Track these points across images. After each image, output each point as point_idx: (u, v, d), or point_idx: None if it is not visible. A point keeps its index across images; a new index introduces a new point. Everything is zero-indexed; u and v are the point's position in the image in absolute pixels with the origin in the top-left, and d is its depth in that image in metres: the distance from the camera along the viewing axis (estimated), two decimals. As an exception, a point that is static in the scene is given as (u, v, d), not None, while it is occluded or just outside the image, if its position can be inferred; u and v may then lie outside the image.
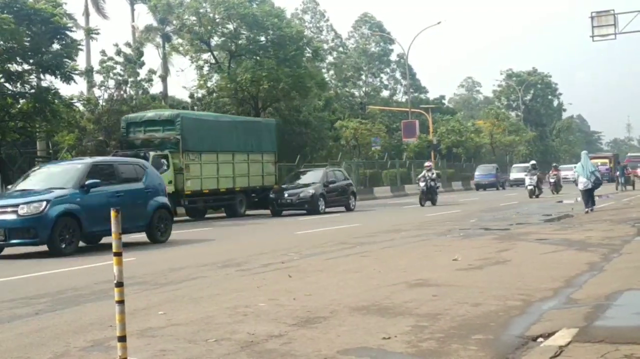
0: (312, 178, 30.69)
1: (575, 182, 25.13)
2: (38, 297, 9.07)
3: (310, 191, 29.14)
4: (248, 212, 31.20)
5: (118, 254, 4.94)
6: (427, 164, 34.56)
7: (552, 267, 10.22)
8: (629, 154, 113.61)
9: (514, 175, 61.31)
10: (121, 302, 4.94)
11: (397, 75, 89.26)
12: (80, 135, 35.40)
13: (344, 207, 30.98)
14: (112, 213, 4.94)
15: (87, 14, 50.09)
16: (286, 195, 29.41)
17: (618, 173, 46.70)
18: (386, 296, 8.22)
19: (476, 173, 60.55)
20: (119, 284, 4.93)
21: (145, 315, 7.52)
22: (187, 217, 29.24)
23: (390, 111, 76.89)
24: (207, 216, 30.94)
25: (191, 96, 50.42)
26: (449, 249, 13.04)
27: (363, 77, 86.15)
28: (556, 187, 41.51)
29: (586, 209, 23.36)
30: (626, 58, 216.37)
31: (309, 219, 25.37)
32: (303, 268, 11.08)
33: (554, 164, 47.65)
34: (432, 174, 32.29)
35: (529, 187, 37.14)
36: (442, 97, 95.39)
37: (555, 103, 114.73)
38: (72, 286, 9.97)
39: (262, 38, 44.89)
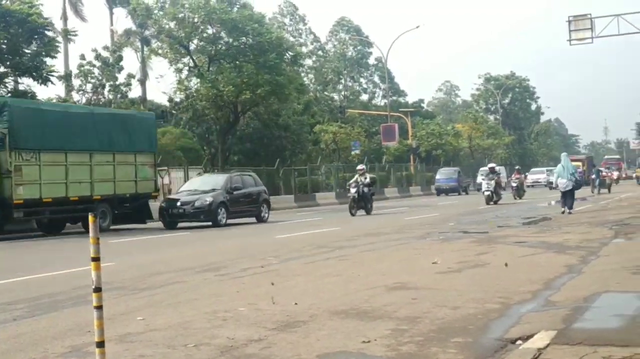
0: (213, 184, 26.31)
1: (555, 183, 25.30)
2: (16, 303, 8.99)
3: (208, 199, 24.74)
4: (120, 226, 26.16)
5: (96, 259, 4.90)
6: (359, 167, 30.85)
7: (531, 270, 10.27)
8: (605, 157, 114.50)
9: (479, 179, 58.93)
10: (99, 307, 4.90)
11: (376, 79, 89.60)
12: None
13: (255, 217, 26.90)
14: (90, 218, 4.90)
15: (65, 17, 50.03)
16: (179, 204, 25.00)
17: (594, 176, 45.98)
18: (365, 299, 8.22)
19: (437, 177, 58.53)
20: (97, 290, 4.90)
21: (123, 320, 7.48)
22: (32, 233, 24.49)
23: (370, 115, 77.10)
24: (65, 231, 25.22)
25: (170, 100, 50.33)
26: (428, 252, 13.07)
27: (342, 81, 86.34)
28: (518, 192, 39.30)
29: (564, 210, 23.61)
30: (603, 62, 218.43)
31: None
32: (282, 272, 11.07)
33: (517, 167, 45.48)
34: (366, 178, 28.83)
35: (486, 193, 33.75)
36: (421, 100, 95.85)
37: (534, 106, 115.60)
38: (50, 291, 9.90)
39: (242, 42, 44.88)
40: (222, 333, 6.68)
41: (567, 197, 23.84)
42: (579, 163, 65.75)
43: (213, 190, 25.43)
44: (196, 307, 8.11)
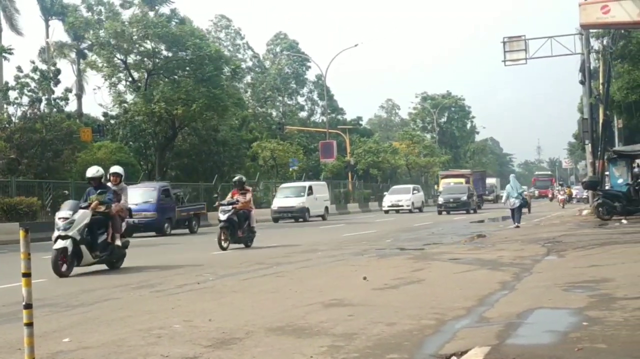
0: None
1: (504, 201, 28.25)
2: (-58, 320, 8.73)
3: None
4: None
5: (27, 275, 4.80)
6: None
7: (465, 287, 10.39)
8: (536, 173, 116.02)
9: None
10: (30, 324, 4.80)
11: (315, 96, 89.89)
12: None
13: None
14: (21, 233, 4.80)
15: (-1, 29, 49.01)
16: None
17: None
18: (302, 316, 8.21)
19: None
20: (28, 306, 4.80)
21: (55, 338, 7.31)
22: None
23: (309, 132, 77.29)
24: None
25: (105, 115, 49.72)
26: (365, 269, 13.11)
27: (280, 97, 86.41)
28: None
29: (515, 225, 26.24)
30: (537, 83, 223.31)
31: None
32: (218, 289, 10.99)
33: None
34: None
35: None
36: (360, 118, 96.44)
37: (469, 126, 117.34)
38: (-22, 308, 9.64)
39: (181, 57, 44.61)
40: (156, 350, 6.59)
41: (516, 213, 26.72)
42: (461, 179, 58.67)
43: None
44: (130, 324, 7.98)
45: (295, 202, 42.13)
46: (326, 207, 46.39)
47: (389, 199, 52.02)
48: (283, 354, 6.33)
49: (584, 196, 50.53)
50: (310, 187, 44.63)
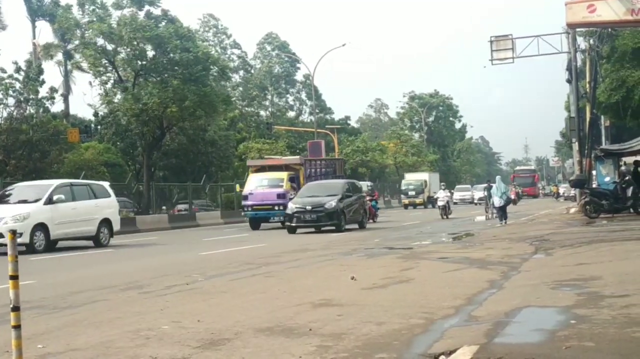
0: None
1: (491, 201, 31.02)
2: None
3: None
4: None
5: (14, 278, 4.78)
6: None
7: (454, 286, 10.41)
8: (516, 169, 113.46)
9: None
10: (17, 327, 4.78)
11: (303, 96, 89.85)
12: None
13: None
14: (9, 235, 4.78)
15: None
16: None
17: (485, 193, 37.00)
18: (291, 316, 8.21)
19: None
20: (15, 309, 4.78)
21: (44, 340, 7.28)
22: None
23: (297, 132, 77.25)
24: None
25: (95, 114, 49.57)
26: (353, 268, 13.11)
27: (269, 97, 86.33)
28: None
29: (501, 223, 28.10)
30: (525, 81, 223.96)
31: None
32: (207, 289, 10.97)
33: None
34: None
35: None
36: (348, 117, 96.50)
37: (457, 125, 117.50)
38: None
39: (169, 57, 44.48)
40: (145, 352, 6.57)
41: (502, 212, 28.88)
42: (281, 174, 35.91)
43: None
44: (119, 326, 7.96)
45: None
46: None
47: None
48: (272, 354, 6.33)
49: (572, 194, 50.71)
50: None
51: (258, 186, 32.95)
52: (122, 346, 6.88)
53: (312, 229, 27.32)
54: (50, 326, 8.15)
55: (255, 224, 32.46)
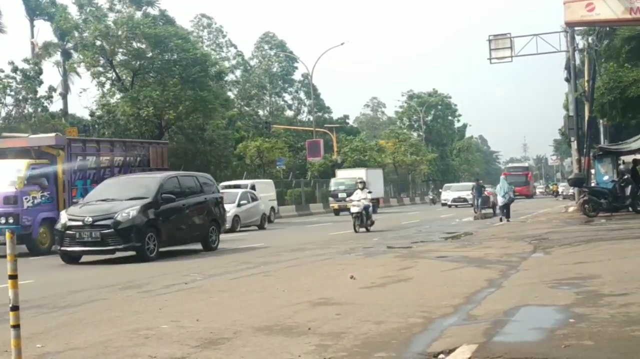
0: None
1: (496, 199, 32.65)
2: None
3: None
4: None
5: (13, 277, 4.78)
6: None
7: (453, 284, 10.42)
8: (508, 165, 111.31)
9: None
10: (17, 326, 4.78)
11: (302, 95, 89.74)
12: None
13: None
14: (7, 235, 4.78)
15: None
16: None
17: (474, 192, 36.46)
18: (290, 315, 8.21)
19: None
20: (15, 308, 4.78)
21: (43, 339, 7.28)
22: None
23: (295, 131, 77.20)
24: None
25: (92, 114, 49.55)
26: (352, 267, 13.12)
27: (267, 96, 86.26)
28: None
29: (505, 220, 28.62)
30: (523, 80, 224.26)
31: None
32: (206, 289, 10.97)
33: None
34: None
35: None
36: (346, 116, 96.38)
37: (456, 124, 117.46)
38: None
39: (167, 57, 44.47)
40: (144, 351, 6.57)
41: (505, 210, 29.50)
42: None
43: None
44: (118, 325, 7.96)
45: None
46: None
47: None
48: (271, 353, 6.33)
49: (570, 193, 50.60)
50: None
51: None
52: (121, 345, 6.88)
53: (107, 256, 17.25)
54: (49, 325, 8.15)
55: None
